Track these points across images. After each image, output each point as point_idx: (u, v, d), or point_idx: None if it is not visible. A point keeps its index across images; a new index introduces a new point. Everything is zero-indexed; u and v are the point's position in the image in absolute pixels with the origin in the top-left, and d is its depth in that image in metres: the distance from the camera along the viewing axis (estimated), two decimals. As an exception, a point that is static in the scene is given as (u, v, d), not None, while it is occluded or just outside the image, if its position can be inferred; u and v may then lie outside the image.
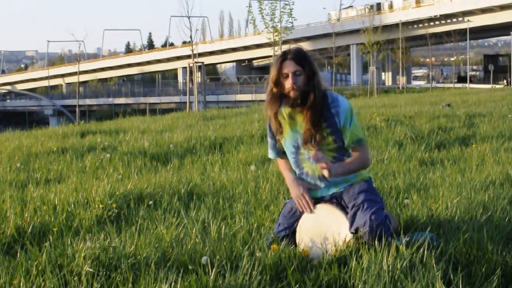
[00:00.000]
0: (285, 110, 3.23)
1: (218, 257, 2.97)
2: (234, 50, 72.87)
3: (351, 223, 3.04)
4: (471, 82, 57.01)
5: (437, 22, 57.32)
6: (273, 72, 3.16)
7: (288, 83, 3.11)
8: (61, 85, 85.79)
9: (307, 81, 3.11)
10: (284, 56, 3.15)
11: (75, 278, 2.85)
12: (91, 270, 2.88)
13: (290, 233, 3.26)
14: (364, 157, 3.25)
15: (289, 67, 3.11)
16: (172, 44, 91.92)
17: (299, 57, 3.13)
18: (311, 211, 3.19)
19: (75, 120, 31.37)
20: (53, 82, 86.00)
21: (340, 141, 3.22)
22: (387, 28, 52.09)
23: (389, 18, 57.32)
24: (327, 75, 66.74)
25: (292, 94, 3.10)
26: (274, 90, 3.17)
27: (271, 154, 3.48)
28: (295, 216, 3.27)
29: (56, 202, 4.51)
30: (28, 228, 3.88)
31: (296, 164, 3.32)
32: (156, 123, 13.54)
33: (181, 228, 3.60)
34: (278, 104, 3.19)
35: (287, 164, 3.41)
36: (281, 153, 3.41)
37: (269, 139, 3.44)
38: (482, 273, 2.77)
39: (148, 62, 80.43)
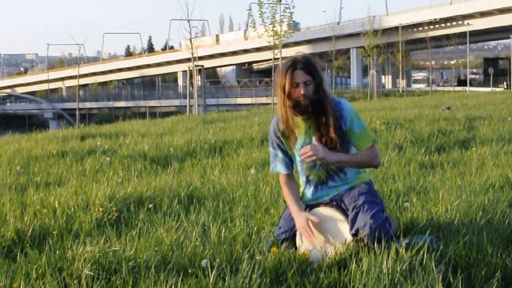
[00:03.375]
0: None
1: (218, 260, 2.97)
2: (234, 54, 72.88)
3: (352, 225, 3.05)
4: (471, 85, 57.01)
5: (436, 26, 57.30)
6: (284, 84, 3.13)
7: (299, 93, 3.11)
8: (61, 88, 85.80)
9: (316, 90, 3.14)
10: (294, 66, 3.14)
11: (75, 282, 2.85)
12: (91, 273, 2.88)
13: (290, 236, 3.26)
14: (373, 154, 3.27)
15: (300, 77, 3.11)
16: (172, 48, 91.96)
17: (309, 67, 3.14)
18: (312, 240, 3.11)
19: (75, 123, 31.38)
20: (53, 85, 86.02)
21: (344, 145, 3.23)
22: (387, 31, 52.12)
23: (388, 21, 57.36)
24: (327, 79, 66.83)
25: (303, 102, 3.11)
26: (287, 102, 3.15)
27: (278, 168, 3.37)
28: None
29: (56, 206, 4.51)
30: (28, 231, 3.89)
31: (302, 172, 3.34)
32: (156, 126, 13.55)
33: (181, 231, 3.61)
34: (292, 114, 3.19)
35: (289, 181, 3.36)
36: (288, 167, 3.36)
37: (280, 154, 3.34)
38: (482, 276, 2.77)
39: (148, 66, 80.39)
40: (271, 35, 26.34)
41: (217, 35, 79.83)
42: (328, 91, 3.21)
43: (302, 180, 3.38)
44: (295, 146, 3.29)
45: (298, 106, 3.13)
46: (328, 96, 3.18)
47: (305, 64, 3.14)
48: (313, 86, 3.14)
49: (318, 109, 3.14)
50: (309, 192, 3.35)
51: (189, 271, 2.87)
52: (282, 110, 3.19)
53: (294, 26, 68.32)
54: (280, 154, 3.35)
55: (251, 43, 66.83)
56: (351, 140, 3.24)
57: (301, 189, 3.41)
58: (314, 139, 3.16)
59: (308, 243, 3.13)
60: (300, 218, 3.18)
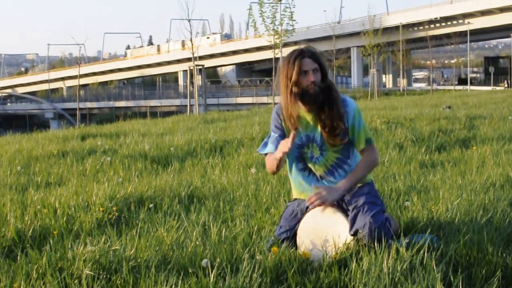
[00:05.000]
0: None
1: (218, 259, 2.97)
2: (235, 53, 72.86)
3: (351, 225, 3.05)
4: (471, 84, 56.94)
5: (437, 25, 57.26)
6: (291, 72, 3.12)
7: (308, 80, 3.11)
8: (62, 88, 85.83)
9: (323, 78, 3.16)
10: (302, 54, 3.15)
11: (76, 281, 2.85)
12: (91, 273, 2.88)
13: (291, 236, 3.26)
14: (371, 159, 3.27)
15: (309, 65, 3.13)
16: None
17: (316, 55, 3.17)
18: (292, 141, 3.08)
19: (75, 123, 31.41)
20: (54, 85, 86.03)
21: (348, 142, 3.23)
22: (387, 30, 52.09)
23: (389, 20, 57.33)
24: (328, 78, 66.89)
25: (312, 90, 3.11)
26: (295, 90, 3.14)
27: (268, 148, 3.37)
28: (296, 219, 3.27)
29: (57, 205, 4.51)
30: (29, 231, 3.89)
31: (298, 161, 3.33)
32: (156, 126, 13.55)
33: (181, 231, 3.61)
34: (297, 104, 3.19)
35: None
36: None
37: (275, 135, 3.34)
38: (482, 275, 2.77)
39: (149, 65, 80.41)
40: (272, 34, 26.32)
41: (158, 45, 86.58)
42: (333, 82, 3.23)
43: (298, 167, 3.34)
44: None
45: (307, 95, 3.12)
46: (334, 85, 3.20)
47: (312, 53, 3.17)
48: (320, 75, 3.15)
49: (327, 97, 3.14)
50: (309, 180, 3.32)
51: (190, 270, 2.87)
52: (287, 99, 3.17)
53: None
54: (275, 135, 3.32)
55: (251, 42, 66.81)
56: (351, 138, 3.24)
57: (297, 179, 3.37)
58: (313, 187, 3.19)
59: (308, 242, 3.12)
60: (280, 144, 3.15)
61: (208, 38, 76.54)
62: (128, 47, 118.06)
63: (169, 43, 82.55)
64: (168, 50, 80.00)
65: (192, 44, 27.86)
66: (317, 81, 3.12)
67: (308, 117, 3.23)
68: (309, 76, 3.11)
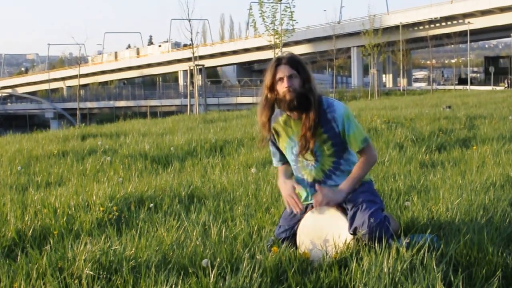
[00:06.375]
0: (281, 118, 3.26)
1: (218, 259, 2.97)
2: (235, 53, 72.82)
3: (350, 223, 3.04)
4: (471, 84, 56.92)
5: (437, 24, 57.23)
6: (267, 78, 3.18)
7: (283, 86, 3.13)
8: (62, 88, 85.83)
9: (303, 84, 3.14)
10: (278, 61, 3.18)
11: (76, 281, 2.85)
12: (91, 273, 2.88)
13: (291, 235, 3.26)
14: (370, 158, 3.27)
15: (284, 71, 3.14)
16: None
17: (293, 61, 3.17)
18: (300, 210, 3.19)
19: (75, 123, 31.42)
20: (54, 85, 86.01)
21: (338, 145, 3.23)
22: (387, 30, 52.08)
23: (389, 20, 57.31)
24: (328, 78, 67.09)
25: (287, 96, 3.12)
26: (269, 96, 3.18)
27: (274, 162, 3.51)
28: (295, 218, 3.27)
29: (57, 205, 4.51)
30: (29, 231, 3.89)
31: (297, 171, 3.34)
32: (157, 126, 13.55)
33: (181, 231, 3.61)
34: (270, 111, 3.22)
35: (284, 168, 3.44)
36: (283, 161, 3.43)
37: (270, 148, 3.46)
38: (483, 275, 2.77)
39: (149, 65, 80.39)
40: (272, 34, 26.32)
41: (115, 52, 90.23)
42: (315, 88, 3.19)
43: (296, 179, 3.37)
44: (284, 145, 3.31)
45: (283, 101, 3.14)
46: (314, 92, 3.17)
47: (289, 59, 3.17)
48: (299, 81, 3.14)
49: (304, 104, 3.14)
50: (306, 190, 3.34)
51: (190, 270, 2.87)
52: (260, 105, 3.23)
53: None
54: (273, 149, 3.43)
55: (251, 42, 66.81)
56: (345, 142, 3.24)
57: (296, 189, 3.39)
58: (317, 186, 3.20)
59: (308, 242, 3.12)
60: (286, 186, 3.26)
61: (160, 46, 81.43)
62: (128, 47, 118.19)
63: (125, 51, 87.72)
64: (123, 57, 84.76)
65: (193, 45, 27.86)
66: (293, 86, 3.11)
67: (296, 126, 3.24)
68: (284, 82, 3.12)
